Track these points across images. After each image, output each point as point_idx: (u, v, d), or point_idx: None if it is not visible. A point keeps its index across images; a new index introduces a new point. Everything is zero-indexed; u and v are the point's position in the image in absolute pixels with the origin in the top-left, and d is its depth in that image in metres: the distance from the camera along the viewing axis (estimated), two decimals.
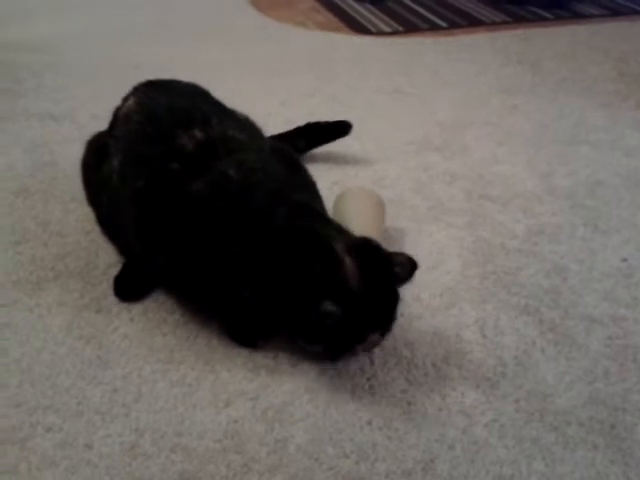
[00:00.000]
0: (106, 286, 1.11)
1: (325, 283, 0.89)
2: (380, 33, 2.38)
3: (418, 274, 1.16)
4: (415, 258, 1.20)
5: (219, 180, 0.97)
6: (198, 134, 1.01)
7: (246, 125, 1.14)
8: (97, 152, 1.13)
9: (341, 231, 0.99)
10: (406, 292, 1.12)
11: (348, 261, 0.90)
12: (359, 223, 1.16)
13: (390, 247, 1.22)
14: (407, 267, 0.97)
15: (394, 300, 0.95)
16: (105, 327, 1.03)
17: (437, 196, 1.41)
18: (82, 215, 1.25)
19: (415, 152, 1.57)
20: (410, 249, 1.23)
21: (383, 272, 0.94)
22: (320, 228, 0.96)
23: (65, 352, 0.98)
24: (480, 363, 0.99)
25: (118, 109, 1.16)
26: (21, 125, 1.63)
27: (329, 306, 0.86)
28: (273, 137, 1.33)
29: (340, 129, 1.48)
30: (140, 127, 1.07)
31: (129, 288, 1.08)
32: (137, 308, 1.07)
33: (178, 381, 0.94)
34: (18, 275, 1.13)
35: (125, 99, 1.17)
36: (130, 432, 0.86)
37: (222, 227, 0.94)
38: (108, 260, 1.16)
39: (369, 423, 0.89)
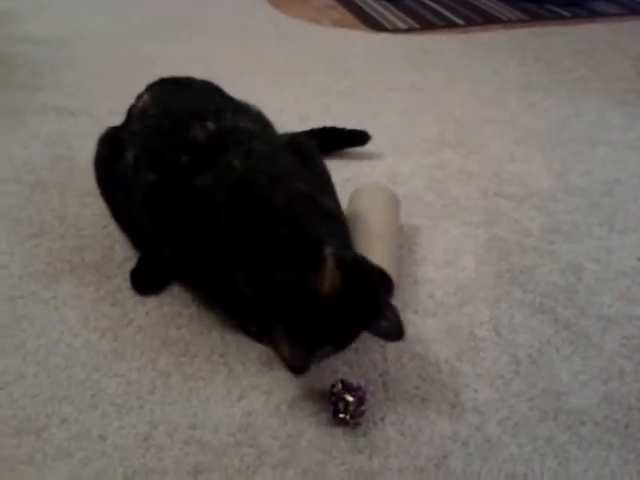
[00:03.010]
0: (121, 279, 1.11)
1: (298, 282, 0.86)
2: (396, 30, 2.38)
3: (432, 271, 1.17)
4: (429, 255, 1.22)
5: (223, 172, 0.96)
6: (211, 125, 1.01)
7: (259, 118, 1.14)
8: (111, 147, 1.14)
9: (340, 235, 0.97)
10: (420, 290, 1.13)
11: (329, 268, 0.86)
12: (373, 219, 1.16)
13: (405, 244, 1.23)
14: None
15: (359, 324, 0.89)
16: (120, 320, 1.04)
17: (452, 193, 1.40)
18: (98, 209, 1.26)
19: (430, 149, 1.56)
20: (424, 246, 1.24)
21: (360, 290, 0.87)
22: (314, 223, 0.93)
23: (81, 344, 0.99)
24: (494, 361, 0.99)
25: (133, 106, 1.17)
26: (39, 119, 1.64)
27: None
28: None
29: (358, 139, 1.48)
30: (155, 120, 1.07)
31: (145, 281, 1.09)
32: (152, 301, 1.08)
33: (192, 374, 0.95)
34: (35, 267, 1.14)
35: (139, 96, 1.17)
36: (144, 424, 0.87)
37: (223, 219, 0.93)
38: (124, 254, 1.17)
39: (382, 419, 0.89)
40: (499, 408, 0.91)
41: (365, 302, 0.87)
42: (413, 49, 2.21)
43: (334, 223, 0.98)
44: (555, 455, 0.85)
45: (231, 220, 0.92)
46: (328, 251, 0.87)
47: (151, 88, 1.18)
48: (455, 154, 1.55)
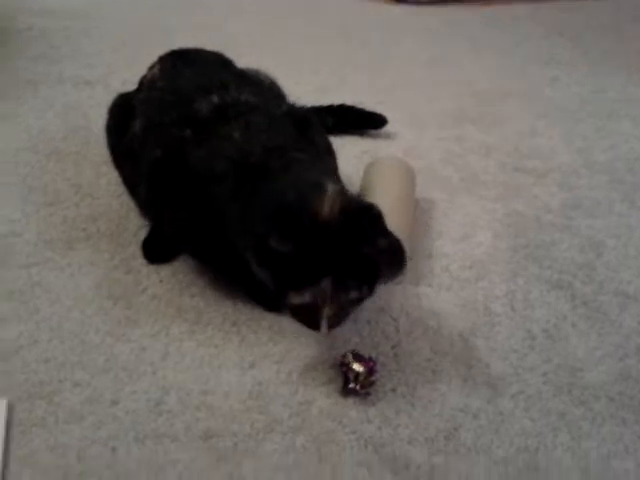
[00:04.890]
0: (135, 248, 1.12)
1: (296, 206, 0.83)
2: (417, 2, 2.32)
3: (448, 245, 1.16)
4: (445, 229, 1.20)
5: (222, 144, 0.96)
6: (214, 99, 1.01)
7: (262, 89, 1.12)
8: (121, 115, 1.14)
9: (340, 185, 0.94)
10: (435, 263, 1.11)
11: (330, 199, 0.83)
12: (387, 192, 1.14)
13: (420, 218, 1.22)
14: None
15: (362, 259, 0.83)
16: (134, 287, 1.04)
17: (470, 168, 1.38)
18: (113, 178, 1.26)
19: (449, 123, 1.54)
20: (440, 220, 1.22)
21: (363, 231, 0.84)
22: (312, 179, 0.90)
23: (94, 311, 0.99)
24: (508, 336, 0.98)
25: (144, 76, 1.17)
26: (55, 90, 1.64)
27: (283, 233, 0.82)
28: None
29: (374, 121, 1.45)
30: (161, 94, 1.07)
31: (156, 251, 1.09)
32: (166, 270, 1.08)
33: (205, 341, 0.95)
34: (50, 235, 1.15)
35: (151, 67, 1.17)
36: (156, 389, 0.87)
37: (223, 190, 0.92)
38: (138, 222, 1.17)
39: (393, 390, 0.89)
40: (512, 382, 0.90)
41: (363, 228, 0.84)
42: (434, 21, 2.17)
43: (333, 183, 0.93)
44: (568, 430, 0.84)
45: (231, 190, 0.91)
46: (329, 186, 0.86)
47: (162, 60, 1.18)
48: (475, 128, 1.52)
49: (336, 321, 0.85)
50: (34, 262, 1.09)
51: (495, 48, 1.97)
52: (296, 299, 0.83)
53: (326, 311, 0.83)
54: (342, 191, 0.88)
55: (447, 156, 1.41)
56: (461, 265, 1.12)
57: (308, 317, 0.85)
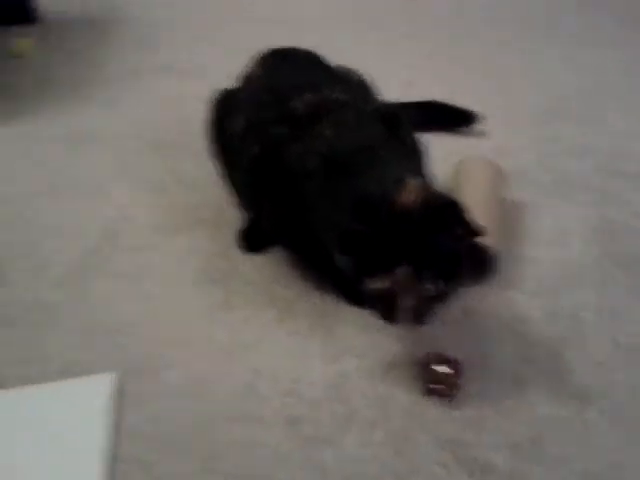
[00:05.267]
0: (233, 237, 1.18)
1: (377, 197, 0.86)
2: None
3: (536, 249, 1.15)
4: (534, 233, 1.19)
5: (314, 141, 1.00)
6: (308, 98, 1.05)
7: (352, 86, 1.15)
8: (223, 110, 1.20)
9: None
10: (525, 268, 1.11)
11: (412, 190, 0.85)
12: (475, 192, 1.14)
13: (510, 221, 1.21)
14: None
15: (442, 252, 0.84)
16: (231, 273, 1.11)
17: (564, 169, 1.35)
18: (212, 170, 1.32)
19: (543, 121, 1.51)
20: (530, 224, 1.21)
21: (445, 224, 0.85)
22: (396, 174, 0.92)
23: (196, 294, 1.07)
24: (597, 346, 0.97)
25: (245, 74, 1.22)
26: (156, 79, 1.73)
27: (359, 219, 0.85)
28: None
29: (464, 118, 1.44)
30: (261, 93, 1.12)
31: (252, 242, 1.16)
32: (260, 259, 1.14)
33: (294, 331, 1.00)
34: (157, 221, 1.23)
35: (251, 65, 1.22)
36: (248, 373, 0.94)
37: (314, 185, 0.97)
38: (235, 213, 1.23)
39: (478, 394, 0.90)
40: (600, 395, 0.90)
41: (444, 218, 0.85)
42: (536, 9, 2.10)
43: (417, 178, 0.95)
44: None
45: (320, 186, 0.96)
46: (411, 179, 0.88)
47: (263, 58, 1.23)
48: (571, 127, 1.48)
49: (415, 315, 0.87)
50: (142, 245, 1.18)
51: (598, 44, 1.89)
52: (373, 284, 0.86)
53: (403, 301, 0.84)
54: (425, 184, 0.89)
55: (540, 157, 1.39)
56: (550, 271, 1.11)
57: (385, 306, 0.87)
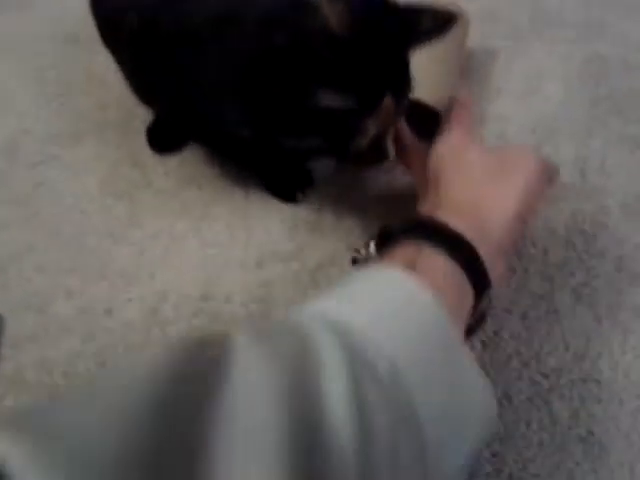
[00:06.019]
0: (144, 138, 1.00)
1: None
2: None
3: (507, 105, 0.94)
4: (505, 85, 0.97)
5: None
6: None
7: None
8: None
9: None
10: (489, 128, 0.91)
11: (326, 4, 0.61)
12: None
13: (473, 74, 0.99)
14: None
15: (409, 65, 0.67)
16: (139, 182, 0.94)
17: (543, 5, 1.11)
18: None
19: None
20: (501, 75, 1.00)
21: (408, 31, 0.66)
22: None
23: (95, 210, 0.91)
24: (575, 209, 0.79)
25: None
26: None
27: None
28: None
29: None
30: None
31: (159, 141, 0.98)
32: (173, 161, 0.96)
33: (210, 240, 0.84)
34: (59, 129, 1.05)
35: None
36: (153, 296, 0.79)
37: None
38: (148, 111, 1.05)
39: None
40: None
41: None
42: None
43: None
44: None
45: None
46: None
47: None
48: None
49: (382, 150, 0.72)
50: (40, 160, 1.01)
51: None
52: (372, 124, 0.68)
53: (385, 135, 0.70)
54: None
55: None
56: (521, 127, 0.91)
57: (372, 148, 0.70)
